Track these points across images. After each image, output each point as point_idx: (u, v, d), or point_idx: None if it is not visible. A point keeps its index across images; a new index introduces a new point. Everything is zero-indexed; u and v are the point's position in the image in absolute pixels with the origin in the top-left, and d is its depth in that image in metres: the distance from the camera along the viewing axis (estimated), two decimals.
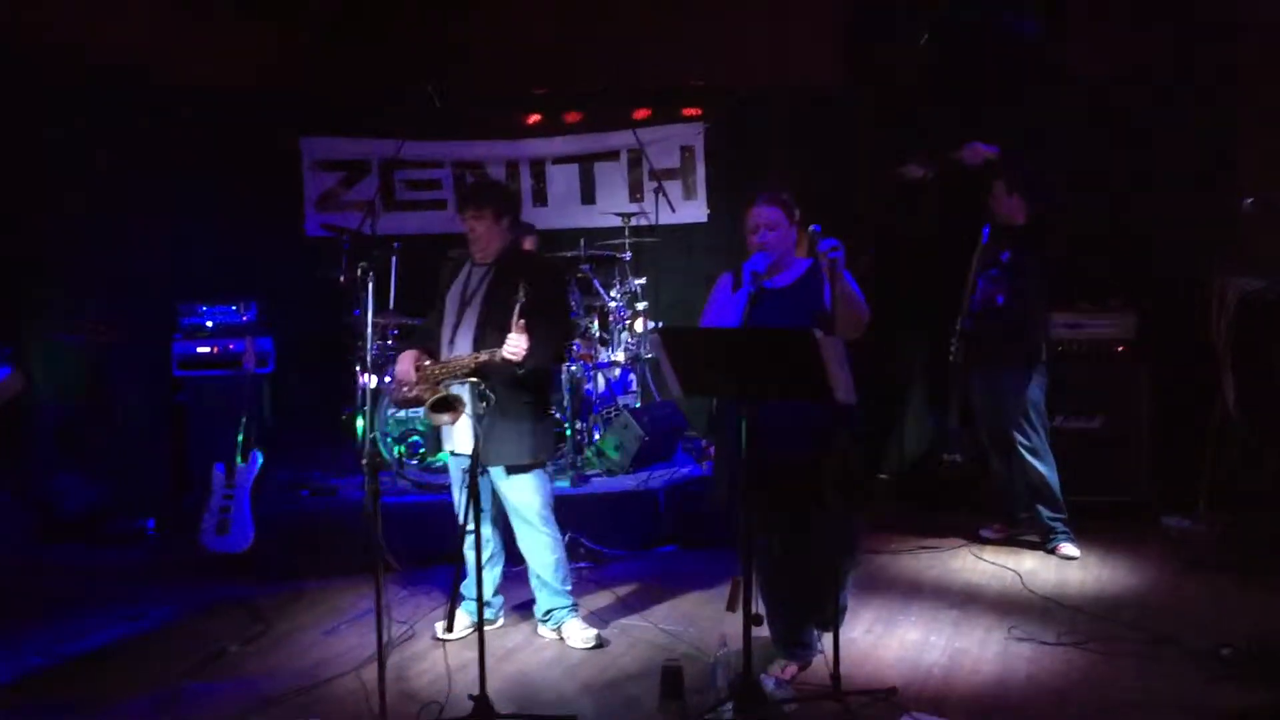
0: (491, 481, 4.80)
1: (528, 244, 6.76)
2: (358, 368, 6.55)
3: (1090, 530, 6.21)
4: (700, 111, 7.89)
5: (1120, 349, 6.72)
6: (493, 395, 4.24)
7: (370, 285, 4.47)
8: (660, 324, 7.21)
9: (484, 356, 4.55)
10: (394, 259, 6.59)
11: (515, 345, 4.45)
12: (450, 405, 4.32)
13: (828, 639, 4.29)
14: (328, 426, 6.93)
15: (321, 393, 7.03)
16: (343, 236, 6.71)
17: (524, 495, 4.81)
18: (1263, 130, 6.59)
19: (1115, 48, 7.07)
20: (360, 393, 6.53)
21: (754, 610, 3.95)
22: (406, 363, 4.79)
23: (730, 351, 3.91)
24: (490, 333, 4.64)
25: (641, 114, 7.86)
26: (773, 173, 7.58)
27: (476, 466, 4.14)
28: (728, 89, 7.83)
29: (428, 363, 4.77)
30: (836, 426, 4.07)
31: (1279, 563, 5.60)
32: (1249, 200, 4.50)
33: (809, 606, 4.45)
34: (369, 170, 7.85)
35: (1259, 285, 6.12)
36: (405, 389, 4.77)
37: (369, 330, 4.58)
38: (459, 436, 4.63)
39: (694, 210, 7.93)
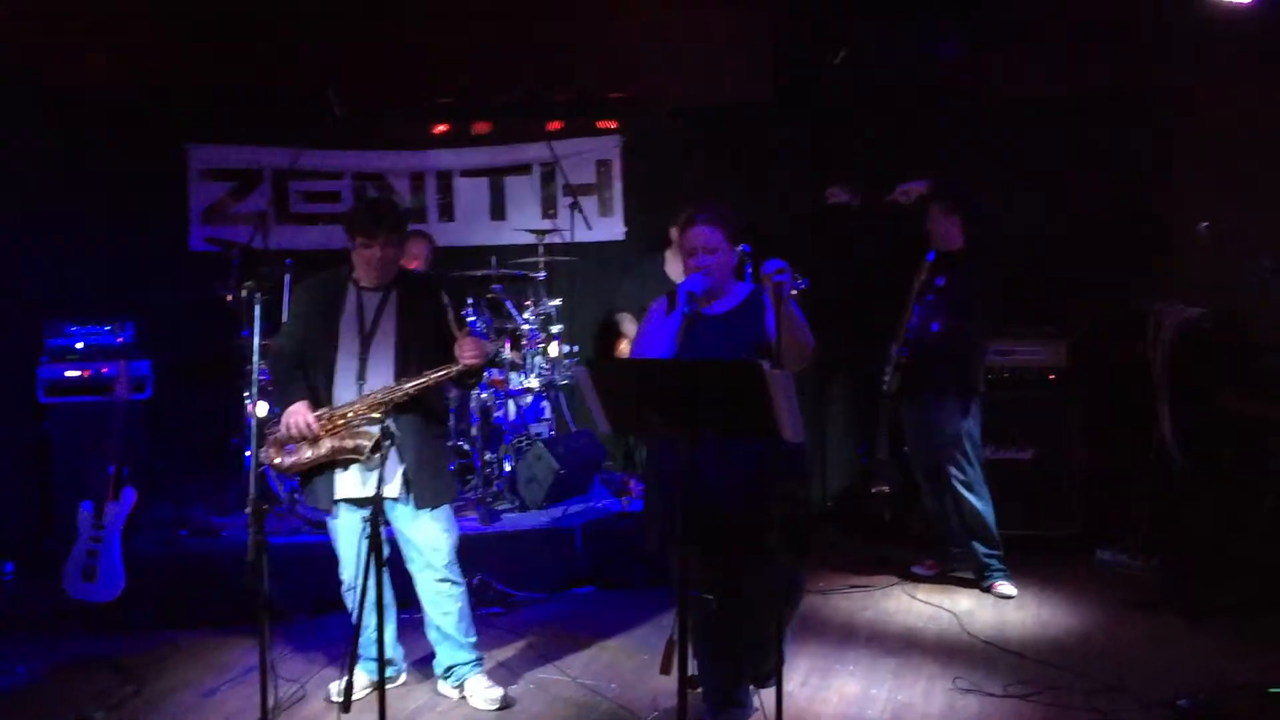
0: (394, 527, 4.32)
1: (422, 250, 6.32)
2: (246, 394, 6.01)
3: (1024, 566, 5.98)
4: (617, 125, 7.53)
5: (1052, 377, 6.51)
6: (396, 433, 3.77)
7: (259, 305, 3.98)
8: (575, 348, 6.81)
9: (432, 377, 4.15)
10: (287, 276, 6.04)
11: (474, 350, 4.11)
12: (383, 447, 3.94)
13: (765, 695, 3.91)
14: (211, 459, 6.34)
15: (205, 422, 6.43)
16: (231, 251, 6.16)
17: (437, 539, 4.35)
18: (1199, 153, 6.44)
19: (1046, 70, 6.93)
20: (248, 422, 5.97)
21: (689, 671, 3.55)
22: (302, 415, 4.19)
23: (666, 386, 3.50)
24: (412, 362, 4.23)
25: (555, 126, 7.47)
26: (694, 190, 7.26)
27: (380, 513, 3.69)
28: (647, 102, 7.48)
29: (326, 410, 4.23)
30: (782, 468, 3.70)
31: (1219, 602, 5.40)
32: (1203, 225, 4.29)
33: (747, 661, 4.07)
34: (261, 180, 7.30)
35: (1196, 313, 5.94)
36: (306, 448, 4.20)
37: (256, 354, 4.08)
38: (347, 482, 4.22)
39: (611, 228, 7.55)
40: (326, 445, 4.18)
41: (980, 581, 5.83)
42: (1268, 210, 5.94)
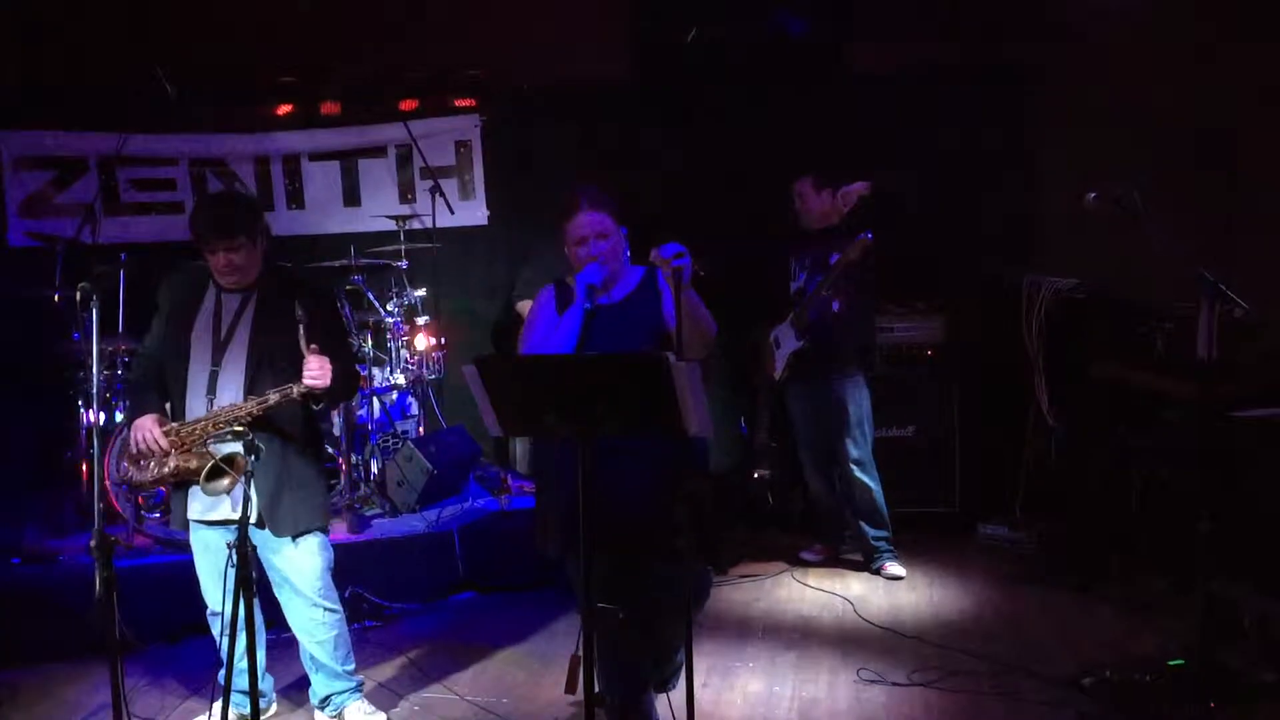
0: (261, 551, 3.93)
1: None
2: (80, 403, 5.47)
3: (910, 544, 5.97)
4: (475, 103, 7.15)
5: (929, 353, 6.48)
6: (261, 448, 3.39)
7: (95, 306, 3.54)
8: (443, 340, 6.45)
9: (274, 398, 3.71)
10: (121, 272, 5.51)
11: (318, 370, 3.66)
12: (225, 469, 3.61)
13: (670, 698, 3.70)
14: (42, 475, 5.76)
15: (33, 435, 5.84)
16: (56, 247, 5.59)
17: (307, 564, 3.98)
18: (1061, 127, 6.49)
19: (905, 45, 6.87)
20: (84, 433, 5.45)
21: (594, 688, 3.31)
22: (149, 430, 3.74)
23: (563, 383, 3.22)
24: (266, 373, 3.81)
25: (409, 105, 7.04)
26: (558, 171, 6.98)
27: (246, 538, 3.31)
28: (505, 80, 7.13)
29: (175, 425, 3.79)
30: (687, 465, 3.46)
31: (1102, 571, 5.43)
32: (1092, 195, 4.25)
33: (650, 670, 3.83)
34: (87, 169, 6.67)
35: (1069, 284, 5.96)
36: (152, 465, 3.76)
37: (94, 358, 3.64)
38: (199, 502, 3.85)
39: (473, 211, 7.19)
40: (171, 463, 3.75)
41: (869, 564, 5.75)
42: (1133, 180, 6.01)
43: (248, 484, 3.35)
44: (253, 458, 3.32)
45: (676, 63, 7.10)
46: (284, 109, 7.07)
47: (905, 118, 6.76)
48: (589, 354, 3.20)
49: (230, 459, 3.62)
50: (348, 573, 4.96)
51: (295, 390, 3.68)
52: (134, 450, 3.75)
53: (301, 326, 3.69)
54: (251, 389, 3.79)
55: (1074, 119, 6.44)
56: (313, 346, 3.66)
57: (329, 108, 7.09)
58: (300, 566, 3.97)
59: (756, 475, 6.41)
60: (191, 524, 3.91)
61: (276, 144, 7.02)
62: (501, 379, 3.25)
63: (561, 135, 7.06)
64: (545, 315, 3.68)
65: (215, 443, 3.74)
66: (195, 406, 3.83)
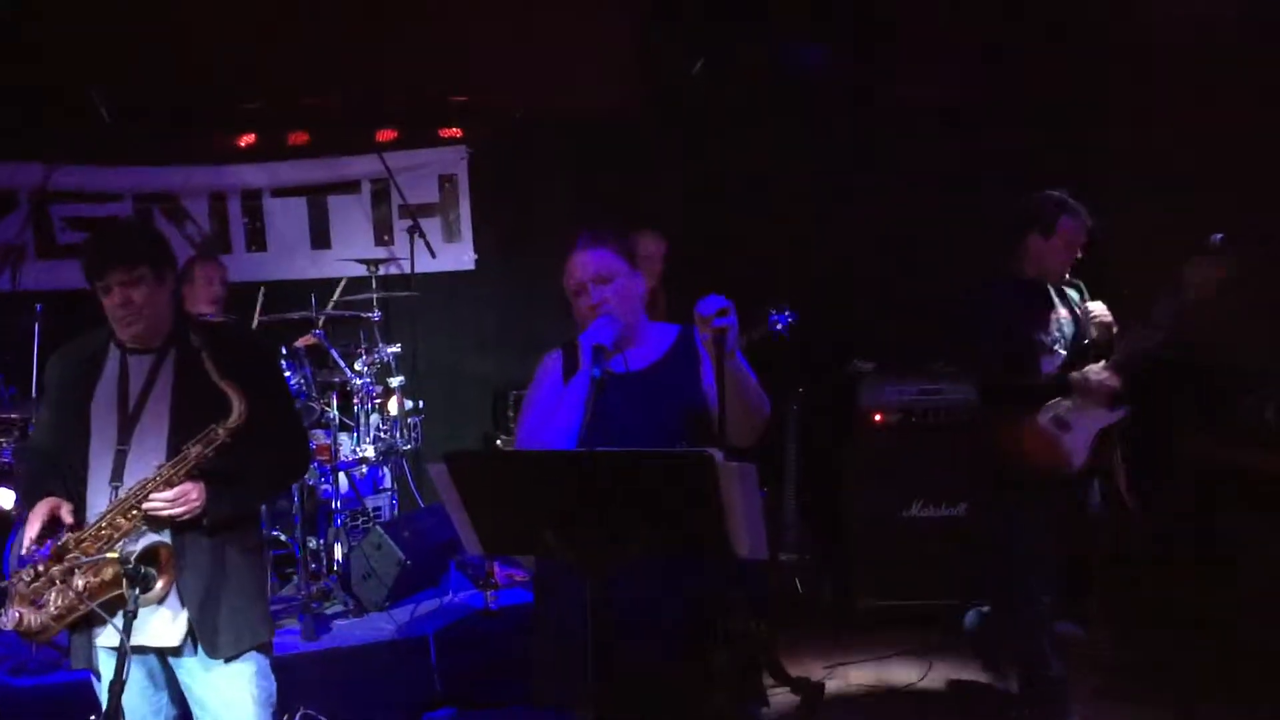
0: (182, 683, 3.03)
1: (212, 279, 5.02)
2: None
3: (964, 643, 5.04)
4: (462, 133, 6.36)
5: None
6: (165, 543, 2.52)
7: None
8: (420, 404, 5.57)
9: (194, 451, 2.88)
10: (35, 325, 4.65)
11: (172, 498, 2.87)
12: (151, 572, 2.75)
13: None
14: None
15: None
16: None
17: (241, 697, 3.07)
18: (1128, 163, 5.69)
19: (942, 72, 6.13)
20: None
21: None
22: (37, 525, 2.85)
23: (565, 488, 2.34)
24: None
25: (386, 135, 6.26)
26: (554, 209, 6.20)
27: (125, 665, 2.43)
28: (497, 108, 6.33)
29: (73, 535, 2.87)
30: (728, 594, 2.58)
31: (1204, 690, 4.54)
32: (1218, 236, 3.47)
33: None
34: (15, 205, 5.82)
35: (1149, 339, 5.10)
36: (53, 595, 2.82)
37: None
38: (154, 624, 2.92)
39: (458, 255, 6.38)
40: (78, 582, 2.83)
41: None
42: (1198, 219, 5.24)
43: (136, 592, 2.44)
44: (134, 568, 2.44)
45: (684, 92, 6.40)
46: (246, 139, 6.26)
47: (943, 152, 6.01)
48: (602, 450, 2.35)
49: (152, 553, 2.75)
50: (298, 689, 4.10)
51: (220, 430, 2.87)
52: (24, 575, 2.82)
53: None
54: None
55: (1145, 152, 5.65)
56: (187, 458, 2.84)
57: (296, 137, 6.30)
58: (232, 699, 3.06)
59: (783, 558, 5.55)
60: (102, 654, 2.97)
61: (235, 178, 6.20)
62: (480, 481, 2.38)
63: (559, 169, 6.32)
64: (549, 387, 2.83)
65: (128, 542, 2.85)
66: (97, 500, 2.94)
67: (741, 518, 2.29)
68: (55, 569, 2.81)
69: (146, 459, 2.96)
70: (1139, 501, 5.13)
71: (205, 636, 2.98)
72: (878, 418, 5.58)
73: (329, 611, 4.84)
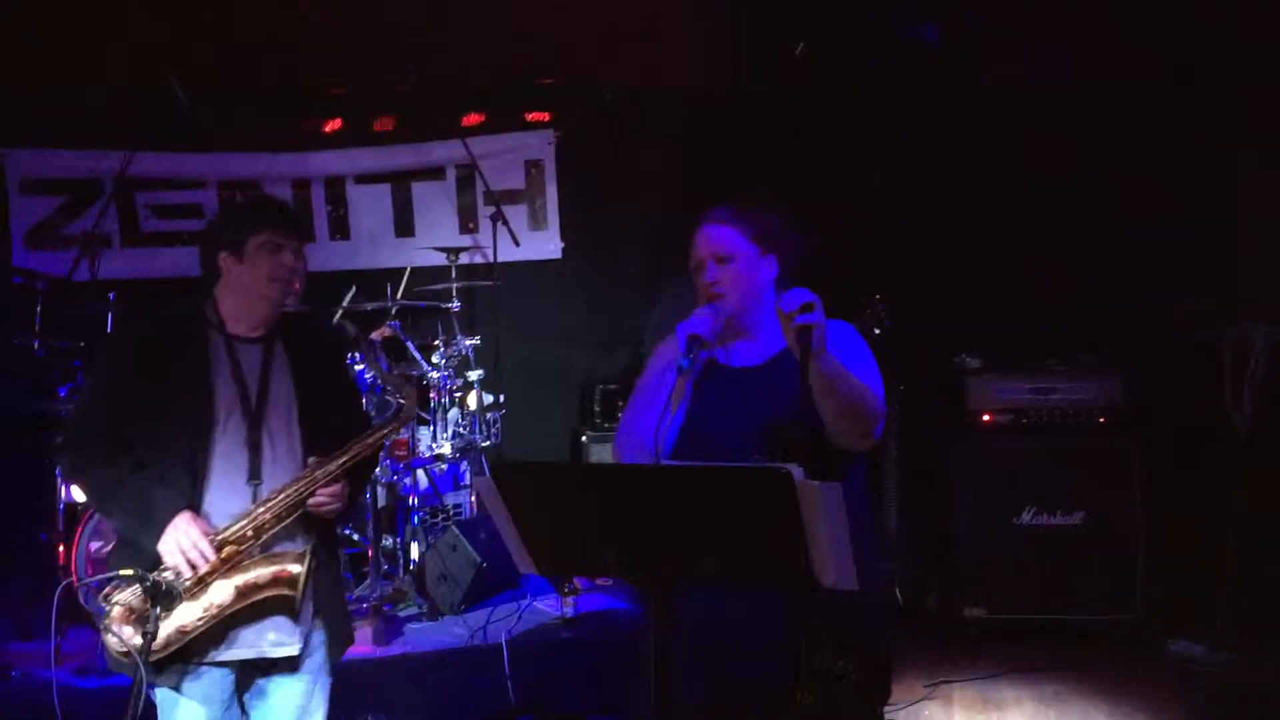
0: (260, 689, 2.84)
1: None
2: (59, 474, 4.50)
3: (1078, 663, 4.76)
4: (550, 117, 6.12)
5: (1101, 420, 5.18)
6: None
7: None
8: (502, 398, 5.36)
9: (354, 450, 2.79)
10: (109, 315, 4.55)
11: (337, 493, 2.76)
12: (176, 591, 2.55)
13: None
14: (10, 560, 4.77)
15: (5, 508, 4.87)
16: (36, 284, 4.66)
17: (319, 703, 2.89)
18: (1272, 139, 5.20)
19: (1059, 48, 5.71)
20: (63, 510, 4.48)
21: None
22: (195, 538, 2.60)
23: (623, 504, 2.08)
24: (323, 449, 2.80)
25: (472, 119, 6.04)
26: (646, 196, 5.94)
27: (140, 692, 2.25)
28: (586, 89, 6.08)
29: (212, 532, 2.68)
30: (816, 627, 2.29)
31: None
32: None
33: None
34: (101, 192, 5.75)
35: None
36: (191, 607, 2.59)
37: None
38: (252, 633, 2.72)
39: (544, 244, 6.13)
40: (228, 591, 2.61)
41: None
42: None
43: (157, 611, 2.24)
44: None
45: (780, 70, 6.07)
46: (331, 125, 6.09)
47: (1071, 134, 5.60)
48: (666, 463, 2.07)
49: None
50: (366, 695, 4.02)
51: (388, 429, 2.84)
52: (170, 578, 2.56)
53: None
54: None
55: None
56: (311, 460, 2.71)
57: (381, 123, 6.11)
58: (309, 708, 2.86)
59: (884, 566, 5.22)
60: (212, 672, 2.72)
61: (318, 165, 6.03)
62: (530, 495, 2.13)
63: (650, 153, 6.04)
64: (657, 373, 2.58)
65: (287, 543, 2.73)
66: (223, 504, 2.73)
67: (826, 542, 2.02)
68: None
69: (280, 457, 2.79)
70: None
71: (332, 640, 2.86)
72: (986, 418, 5.22)
73: (402, 614, 4.66)
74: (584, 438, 5.60)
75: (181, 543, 2.58)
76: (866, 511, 2.63)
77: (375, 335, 4.80)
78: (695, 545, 2.06)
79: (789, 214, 2.64)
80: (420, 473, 5.06)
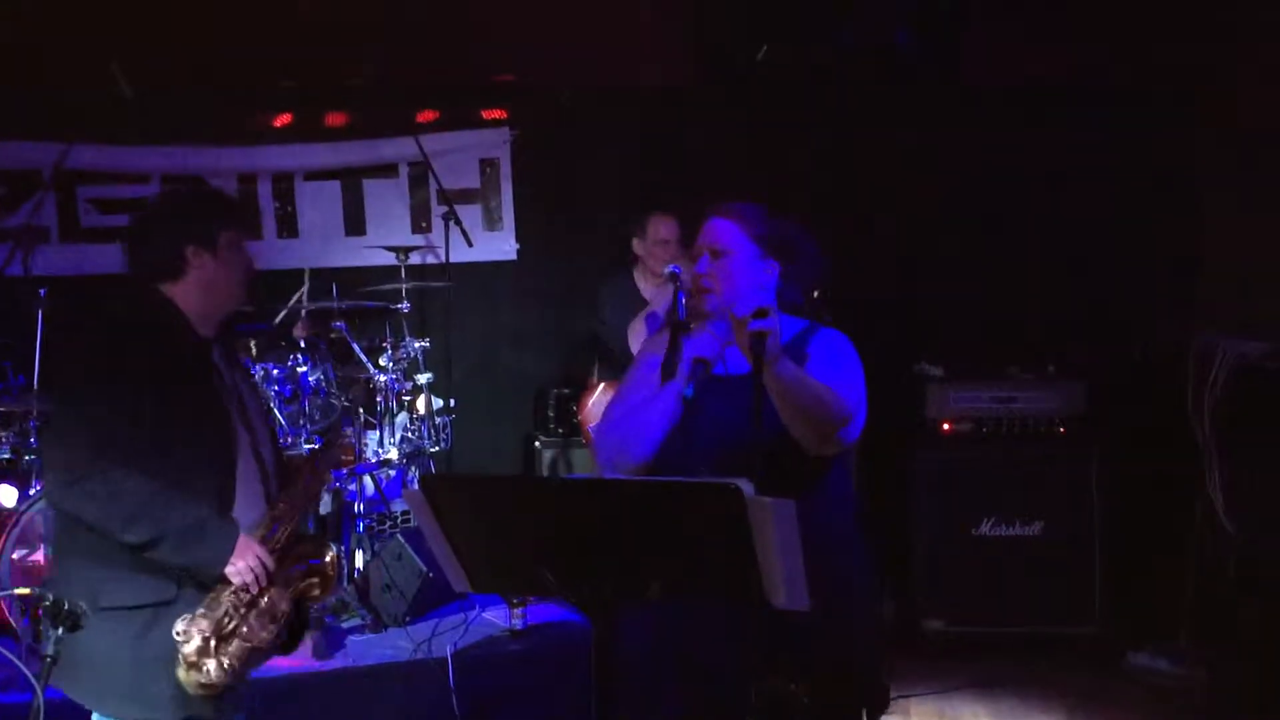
0: None
1: None
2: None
3: (1038, 675, 4.72)
4: (506, 114, 5.97)
5: (1061, 430, 5.13)
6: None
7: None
8: (452, 403, 5.22)
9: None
10: (39, 312, 4.37)
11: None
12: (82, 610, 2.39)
13: None
14: None
15: None
16: None
17: None
18: (1235, 148, 5.16)
19: (1030, 52, 5.65)
20: None
21: None
22: (257, 558, 2.54)
23: (563, 520, 1.96)
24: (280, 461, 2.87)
25: (427, 116, 5.89)
26: (600, 196, 5.83)
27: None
28: (544, 87, 5.95)
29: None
30: (769, 651, 2.18)
31: None
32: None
33: None
34: (41, 185, 5.52)
35: (1258, 349, 4.59)
36: (263, 620, 2.56)
37: None
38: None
39: (499, 244, 5.98)
40: (285, 596, 2.60)
41: None
42: None
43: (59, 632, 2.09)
44: None
45: (748, 70, 5.93)
46: (281, 119, 5.92)
47: (1029, 138, 5.54)
48: (610, 477, 1.96)
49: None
50: (307, 710, 3.94)
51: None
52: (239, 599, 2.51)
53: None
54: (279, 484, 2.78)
55: (1253, 138, 5.12)
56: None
57: (333, 118, 5.94)
58: None
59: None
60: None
61: (266, 159, 5.83)
62: (463, 510, 2.00)
63: (608, 154, 5.92)
64: (646, 370, 2.52)
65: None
66: (251, 510, 2.67)
67: (776, 561, 1.91)
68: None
69: (268, 457, 2.76)
70: (1238, 521, 4.67)
71: None
72: (946, 427, 5.16)
73: (345, 625, 4.50)
74: (537, 443, 5.47)
75: (250, 561, 2.52)
76: (847, 520, 2.54)
77: (297, 333, 4.64)
78: (639, 563, 1.95)
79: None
80: (367, 478, 4.91)
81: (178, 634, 2.42)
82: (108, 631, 2.43)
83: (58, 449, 2.55)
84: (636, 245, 4.97)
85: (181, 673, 2.42)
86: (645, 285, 4.97)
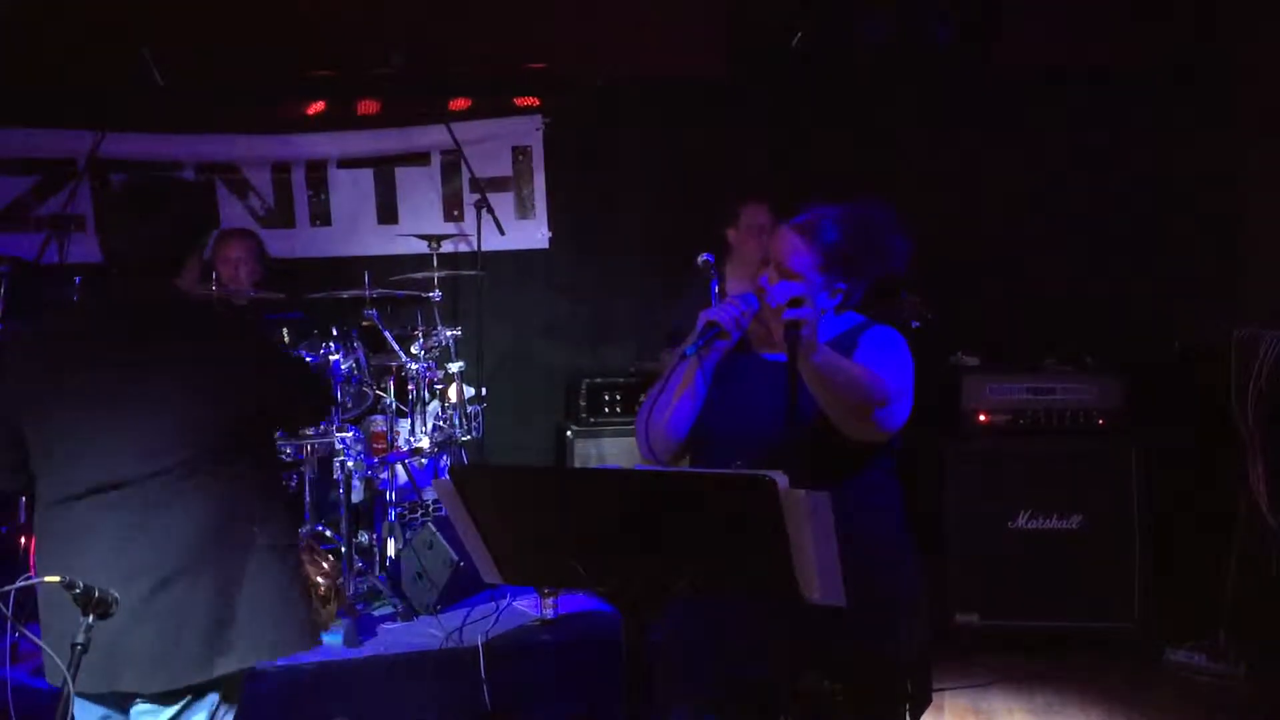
0: None
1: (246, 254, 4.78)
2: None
3: (1074, 672, 4.63)
4: (539, 102, 5.95)
5: (1100, 422, 5.04)
6: None
7: None
8: (484, 391, 5.21)
9: None
10: (74, 299, 4.40)
11: None
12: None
13: None
14: None
15: None
16: (1, 267, 4.50)
17: None
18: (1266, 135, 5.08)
19: (1065, 35, 5.56)
20: (24, 499, 4.32)
21: None
22: None
23: (593, 513, 1.94)
24: None
25: (459, 104, 5.88)
26: (634, 185, 5.81)
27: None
28: (578, 75, 5.92)
29: None
30: (805, 646, 2.15)
31: None
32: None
33: None
34: (75, 173, 5.57)
35: None
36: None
37: None
38: None
39: (531, 233, 5.97)
40: None
41: None
42: None
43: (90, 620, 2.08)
44: None
45: (783, 59, 5.87)
46: (314, 107, 5.93)
47: (1065, 121, 5.49)
48: (640, 469, 1.93)
49: None
50: (336, 697, 3.94)
51: None
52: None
53: None
54: None
55: None
56: None
57: (366, 106, 5.95)
58: None
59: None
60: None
61: (299, 148, 5.87)
62: (493, 501, 1.98)
63: (645, 143, 5.90)
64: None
65: None
66: None
67: (810, 556, 1.86)
68: None
69: None
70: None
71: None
72: (982, 418, 5.08)
73: (376, 613, 4.51)
74: (569, 433, 5.45)
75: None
76: (893, 520, 2.49)
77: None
78: (670, 556, 1.92)
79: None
80: (399, 467, 4.91)
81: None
82: (286, 570, 2.59)
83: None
84: (731, 235, 4.85)
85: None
86: (735, 279, 4.83)
